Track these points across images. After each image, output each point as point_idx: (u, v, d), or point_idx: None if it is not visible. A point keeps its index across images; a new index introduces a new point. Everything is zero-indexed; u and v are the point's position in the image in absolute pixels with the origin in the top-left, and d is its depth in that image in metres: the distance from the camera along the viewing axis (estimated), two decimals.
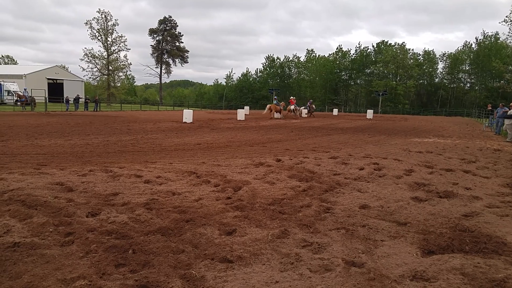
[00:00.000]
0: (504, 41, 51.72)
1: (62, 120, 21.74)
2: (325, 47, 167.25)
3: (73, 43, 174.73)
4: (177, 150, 10.47)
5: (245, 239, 3.73)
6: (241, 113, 28.47)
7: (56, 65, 62.69)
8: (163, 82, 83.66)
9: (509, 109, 17.64)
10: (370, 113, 38.32)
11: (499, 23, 70.82)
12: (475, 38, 65.30)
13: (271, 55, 79.11)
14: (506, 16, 44.77)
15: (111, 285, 2.75)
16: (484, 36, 63.68)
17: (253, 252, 3.41)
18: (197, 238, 3.72)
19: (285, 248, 3.55)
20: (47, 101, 36.37)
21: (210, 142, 12.61)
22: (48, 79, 56.95)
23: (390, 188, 6.15)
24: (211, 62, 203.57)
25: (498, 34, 60.01)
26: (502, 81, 56.42)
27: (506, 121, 17.09)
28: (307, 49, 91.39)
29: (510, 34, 45.17)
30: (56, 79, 58.49)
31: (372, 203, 5.22)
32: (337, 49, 74.74)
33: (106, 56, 58.45)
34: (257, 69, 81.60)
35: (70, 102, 37.80)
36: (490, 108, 28.80)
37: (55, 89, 56.46)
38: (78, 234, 3.67)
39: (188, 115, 22.89)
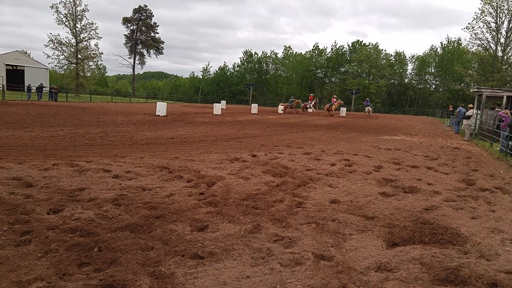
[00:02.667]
0: (465, 47, 54.50)
1: (22, 110, 20.52)
2: (302, 44, 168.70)
3: (37, 28, 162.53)
4: (149, 144, 10.25)
5: (217, 235, 3.72)
6: (218, 107, 28.21)
7: (17, 50, 57.93)
8: (136, 73, 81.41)
9: (467, 111, 18.61)
10: (343, 111, 39.06)
11: (462, 29, 74.34)
12: (440, 42, 68.08)
13: (249, 50, 78.74)
14: (468, 23, 47.41)
15: (72, 286, 2.64)
16: (448, 41, 66.70)
17: (224, 248, 3.41)
18: (167, 234, 3.67)
19: (257, 243, 3.56)
20: (5, 89, 33.89)
21: (184, 137, 12.44)
22: (6, 65, 52.85)
23: (360, 183, 6.33)
24: (187, 54, 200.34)
25: (460, 40, 63.28)
26: (462, 84, 59.44)
27: (464, 121, 18.10)
28: (285, 46, 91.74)
29: (471, 41, 48.17)
30: (16, 66, 54.35)
31: (342, 198, 5.35)
32: (313, 47, 75.44)
33: (74, 44, 55.73)
34: (234, 63, 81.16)
35: (32, 90, 35.57)
36: (451, 109, 30.15)
37: (15, 76, 52.48)
38: (37, 233, 3.48)
39: (161, 107, 22.44)
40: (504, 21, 45.24)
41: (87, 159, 7.32)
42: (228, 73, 78.18)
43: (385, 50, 70.19)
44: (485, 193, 6.19)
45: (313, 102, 39.18)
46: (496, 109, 18.10)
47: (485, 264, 3.27)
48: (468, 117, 17.79)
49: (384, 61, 68.26)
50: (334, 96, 42.48)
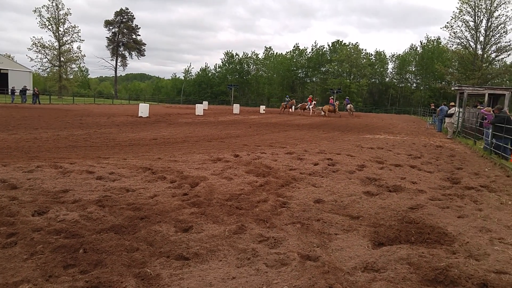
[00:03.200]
0: (445, 45, 55.55)
1: (6, 112, 20.12)
2: (283, 45, 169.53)
3: (21, 32, 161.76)
4: (132, 146, 10.12)
5: (201, 236, 3.70)
6: (200, 108, 28.09)
7: (0, 54, 57.51)
8: (118, 75, 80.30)
9: (449, 108, 18.97)
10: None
11: (441, 28, 76.52)
12: (420, 41, 69.69)
13: (230, 51, 78.75)
14: (447, 22, 48.43)
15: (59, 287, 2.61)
16: (428, 40, 68.11)
17: (209, 249, 3.40)
18: (152, 235, 3.64)
19: (242, 244, 3.56)
20: None
21: (167, 137, 12.32)
22: None
23: (344, 182, 6.39)
24: (169, 56, 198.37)
25: (439, 39, 64.55)
26: (443, 82, 60.75)
27: (447, 119, 18.42)
28: (265, 46, 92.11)
29: (450, 39, 49.09)
30: (0, 69, 53.82)
31: (326, 197, 5.39)
32: (294, 47, 75.94)
33: (57, 47, 55.13)
34: (216, 64, 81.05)
35: (16, 93, 34.94)
36: (433, 107, 30.75)
37: None
38: (22, 235, 3.43)
39: (144, 109, 22.16)
40: (482, 19, 46.05)
41: (71, 160, 7.19)
42: (209, 74, 78.08)
43: (365, 50, 71.33)
44: (471, 191, 6.22)
45: (312, 104, 39.73)
46: (478, 106, 18.46)
47: (474, 264, 3.26)
48: (451, 115, 17.99)
49: (364, 60, 69.30)
50: (332, 97, 42.94)
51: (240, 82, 71.15)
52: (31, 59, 61.46)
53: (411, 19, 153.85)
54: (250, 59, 76.96)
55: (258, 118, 27.51)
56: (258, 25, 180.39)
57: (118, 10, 72.98)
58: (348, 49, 68.05)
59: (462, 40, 47.75)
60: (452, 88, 29.48)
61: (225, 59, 77.41)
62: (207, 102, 44.62)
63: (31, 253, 3.10)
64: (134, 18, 74.58)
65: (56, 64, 55.70)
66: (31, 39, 75.00)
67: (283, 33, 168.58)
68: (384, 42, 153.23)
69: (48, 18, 53.79)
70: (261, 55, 77.77)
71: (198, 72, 78.87)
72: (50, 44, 54.85)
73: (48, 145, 9.38)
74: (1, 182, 5.21)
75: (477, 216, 4.81)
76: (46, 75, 58.78)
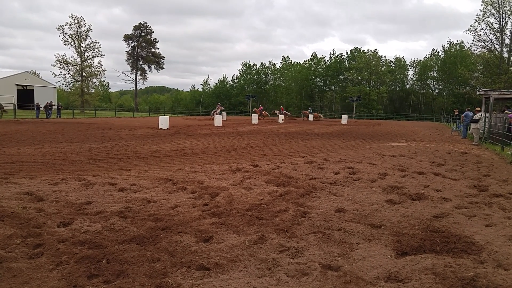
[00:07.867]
0: (468, 49, 53.99)
1: (33, 127, 20.91)
2: (300, 54, 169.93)
3: (45, 49, 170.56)
4: (153, 157, 10.30)
5: (222, 246, 3.71)
6: (218, 119, 28.39)
7: (26, 71, 60.20)
8: (138, 88, 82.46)
9: (474, 114, 18.42)
10: (344, 119, 39.08)
11: (464, 32, 75.16)
12: (442, 46, 68.32)
13: (247, 61, 79.90)
14: (471, 25, 47.19)
15: None
16: (450, 44, 66.65)
17: (230, 259, 3.39)
18: (173, 246, 3.67)
19: (262, 254, 3.55)
20: (16, 108, 34.84)
21: (187, 149, 12.49)
22: (17, 85, 54.70)
23: (365, 191, 6.28)
24: (188, 69, 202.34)
25: (463, 43, 63.04)
26: (467, 87, 59.08)
27: (472, 125, 17.87)
28: (283, 56, 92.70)
29: (474, 43, 47.68)
30: (26, 86, 56.32)
31: (348, 206, 5.31)
32: (312, 56, 76.00)
33: (79, 62, 57.36)
34: (233, 75, 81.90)
35: (41, 109, 36.42)
36: (457, 113, 29.92)
37: (25, 95, 54.44)
38: (48, 246, 3.53)
39: (164, 121, 22.58)
40: (507, 21, 44.77)
41: (94, 173, 7.38)
42: (227, 85, 79.15)
43: (384, 57, 70.66)
44: (499, 199, 5.98)
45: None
46: (506, 111, 17.83)
47: (503, 274, 3.15)
48: (476, 121, 17.46)
49: (384, 67, 68.51)
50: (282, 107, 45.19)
51: (258, 92, 71.69)
52: (55, 75, 64.53)
53: (430, 24, 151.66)
54: (268, 69, 77.55)
55: (277, 127, 27.52)
56: (275, 35, 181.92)
57: (137, 24, 75.29)
58: (367, 56, 67.52)
59: (486, 43, 46.46)
60: (477, 93, 28.57)
61: (243, 70, 78.38)
62: (225, 113, 45.15)
63: (56, 263, 3.18)
64: (153, 32, 76.67)
65: (78, 79, 58.05)
66: (55, 55, 78.74)
67: (300, 42, 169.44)
68: (403, 49, 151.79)
69: (70, 35, 56.39)
70: (278, 65, 78.31)
71: (216, 83, 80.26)
72: (72, 60, 57.40)
73: (72, 158, 9.67)
74: (28, 195, 5.38)
75: (506, 224, 4.62)
76: (69, 90, 61.29)
